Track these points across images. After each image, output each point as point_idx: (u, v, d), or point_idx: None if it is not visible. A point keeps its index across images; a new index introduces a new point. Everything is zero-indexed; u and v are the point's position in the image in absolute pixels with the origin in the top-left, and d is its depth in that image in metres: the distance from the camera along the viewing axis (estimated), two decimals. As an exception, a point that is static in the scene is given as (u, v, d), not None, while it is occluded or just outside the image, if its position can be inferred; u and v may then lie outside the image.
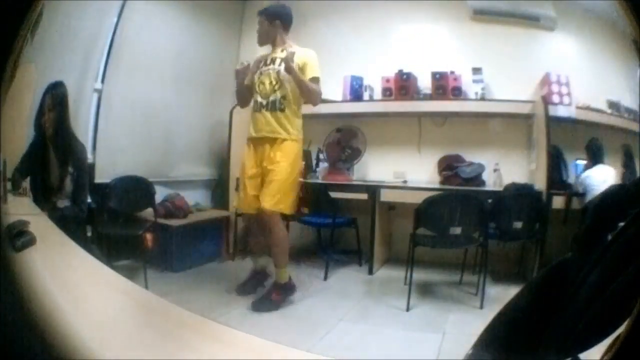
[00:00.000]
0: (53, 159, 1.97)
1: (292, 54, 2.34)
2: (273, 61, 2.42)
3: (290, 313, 2.15)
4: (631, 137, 2.19)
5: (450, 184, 2.61)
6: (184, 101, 2.83)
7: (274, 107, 2.39)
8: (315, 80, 2.35)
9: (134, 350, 0.87)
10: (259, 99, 2.42)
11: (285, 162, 2.41)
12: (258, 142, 2.45)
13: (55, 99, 1.88)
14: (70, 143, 1.99)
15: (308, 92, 2.37)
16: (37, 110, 1.82)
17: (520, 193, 2.42)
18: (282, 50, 2.42)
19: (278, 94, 2.38)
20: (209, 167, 3.04)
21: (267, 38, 2.45)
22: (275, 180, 2.37)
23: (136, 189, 2.48)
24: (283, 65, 2.36)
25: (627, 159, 1.98)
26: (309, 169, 2.97)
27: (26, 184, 1.68)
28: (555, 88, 2.42)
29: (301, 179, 2.78)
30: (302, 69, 2.34)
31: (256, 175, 2.44)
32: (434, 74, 2.66)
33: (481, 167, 2.61)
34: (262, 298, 2.24)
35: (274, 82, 2.39)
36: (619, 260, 0.63)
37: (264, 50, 2.52)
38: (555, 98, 2.42)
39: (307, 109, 2.94)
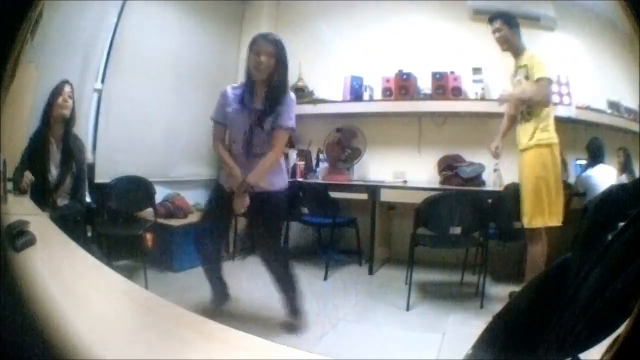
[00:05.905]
0: (54, 156, 1.97)
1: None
2: (517, 72, 2.30)
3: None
4: (631, 137, 2.20)
5: (450, 184, 2.61)
6: (184, 101, 2.83)
7: (522, 118, 2.29)
8: (541, 80, 2.21)
9: (134, 350, 0.86)
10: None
11: (526, 172, 2.25)
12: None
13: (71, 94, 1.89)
14: (72, 141, 2.00)
15: (531, 101, 2.24)
16: (46, 104, 1.82)
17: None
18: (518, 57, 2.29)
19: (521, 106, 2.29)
20: (209, 167, 3.04)
21: (509, 46, 2.28)
22: (523, 197, 2.23)
23: (136, 189, 2.48)
24: (522, 75, 2.26)
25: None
26: (308, 169, 2.98)
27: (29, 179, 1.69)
28: (555, 88, 2.42)
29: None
30: (530, 70, 2.22)
31: None
32: (434, 74, 2.66)
33: (481, 167, 2.61)
34: None
35: None
36: (619, 260, 0.62)
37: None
38: (555, 98, 2.42)
39: (307, 109, 2.95)
